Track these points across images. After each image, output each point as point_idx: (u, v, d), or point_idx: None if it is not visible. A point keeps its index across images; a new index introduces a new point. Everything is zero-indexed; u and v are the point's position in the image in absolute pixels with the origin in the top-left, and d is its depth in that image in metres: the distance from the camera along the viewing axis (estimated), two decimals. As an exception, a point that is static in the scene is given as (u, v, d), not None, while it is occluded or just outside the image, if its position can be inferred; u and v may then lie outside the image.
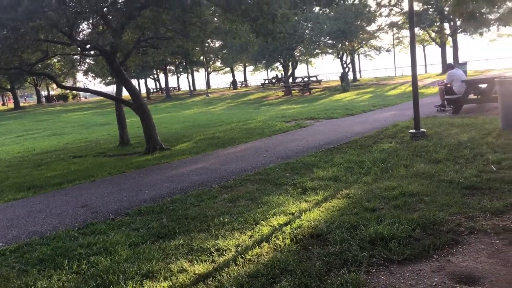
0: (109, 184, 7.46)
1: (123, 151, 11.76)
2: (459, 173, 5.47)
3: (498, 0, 11.79)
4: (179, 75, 58.71)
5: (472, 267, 3.16)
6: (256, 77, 57.25)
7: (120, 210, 5.70)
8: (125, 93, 12.88)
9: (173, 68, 52.35)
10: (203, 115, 23.27)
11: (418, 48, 44.01)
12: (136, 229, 4.77)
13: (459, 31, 28.78)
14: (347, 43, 32.98)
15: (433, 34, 36.01)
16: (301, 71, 50.33)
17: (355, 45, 36.08)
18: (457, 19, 27.06)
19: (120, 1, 9.44)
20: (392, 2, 37.22)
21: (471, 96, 11.45)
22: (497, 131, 7.77)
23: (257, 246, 3.85)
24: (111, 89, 45.51)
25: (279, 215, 4.61)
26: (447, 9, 29.89)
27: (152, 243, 4.26)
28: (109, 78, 35.56)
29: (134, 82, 49.73)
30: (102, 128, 20.71)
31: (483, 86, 11.23)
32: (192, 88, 54.76)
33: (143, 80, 59.36)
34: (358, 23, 32.34)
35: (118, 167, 9.04)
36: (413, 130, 8.26)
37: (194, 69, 54.84)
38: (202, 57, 45.15)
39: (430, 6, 35.07)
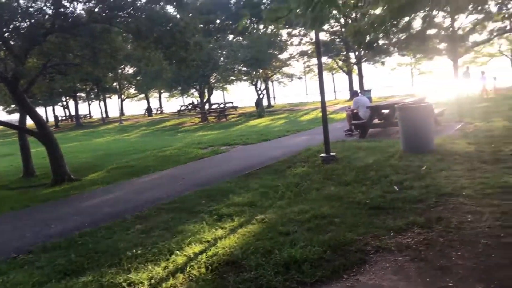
0: (11, 219, 6.93)
1: (27, 183, 11.02)
2: (365, 194, 5.77)
3: (392, 31, 12.81)
4: (90, 102, 56.61)
5: (379, 284, 3.33)
6: (172, 103, 56.69)
7: (22, 248, 5.30)
8: (30, 122, 12.15)
9: (83, 95, 50.34)
10: (117, 143, 22.52)
11: (327, 76, 46.31)
12: (41, 267, 4.46)
13: (363, 60, 30.81)
14: (261, 71, 33.91)
15: (340, 63, 38.18)
16: (217, 97, 50.94)
17: (269, 72, 37.18)
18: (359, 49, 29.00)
19: (22, 26, 8.98)
20: (302, 33, 39.02)
21: (376, 121, 12.21)
22: (399, 153, 8.33)
23: (171, 278, 3.75)
24: (15, 117, 42.76)
25: (195, 244, 4.55)
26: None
27: (58, 282, 4.00)
28: (12, 106, 33.37)
29: (41, 109, 47.08)
30: (4, 159, 19.28)
31: (386, 111, 12.03)
32: (104, 116, 52.95)
33: (51, 107, 56.43)
34: (271, 51, 33.43)
35: (22, 200, 8.45)
36: (324, 154, 8.61)
37: (106, 95, 53.15)
38: (115, 84, 43.96)
39: (336, 37, 37.28)
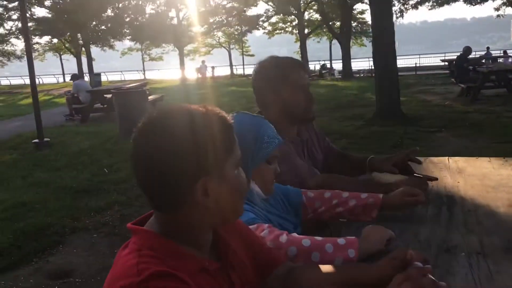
0: None
1: None
2: (75, 179, 5.82)
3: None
4: None
5: (69, 262, 3.49)
6: None
7: None
8: None
9: None
10: None
11: (55, 57, 43.20)
12: None
13: (91, 42, 29.97)
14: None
15: (67, 44, 36.12)
16: None
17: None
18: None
19: None
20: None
21: (98, 105, 12.20)
22: (115, 138, 8.60)
23: None
24: None
25: None
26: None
27: None
28: None
29: None
30: None
31: (108, 96, 12.13)
32: None
33: None
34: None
35: None
36: (36, 140, 8.19)
37: None
38: None
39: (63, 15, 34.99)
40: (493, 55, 22.21)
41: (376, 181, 1.85)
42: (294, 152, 1.83)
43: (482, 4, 25.40)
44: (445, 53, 32.72)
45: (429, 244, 1.31)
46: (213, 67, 31.60)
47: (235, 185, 0.91)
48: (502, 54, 19.55)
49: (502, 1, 25.99)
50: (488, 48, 20.75)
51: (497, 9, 26.67)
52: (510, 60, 15.99)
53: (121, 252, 0.89)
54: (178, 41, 31.24)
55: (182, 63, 31.77)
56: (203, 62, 29.40)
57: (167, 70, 43.59)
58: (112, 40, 30.76)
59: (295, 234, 1.24)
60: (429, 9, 25.02)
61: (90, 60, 30.09)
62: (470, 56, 13.51)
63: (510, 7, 25.89)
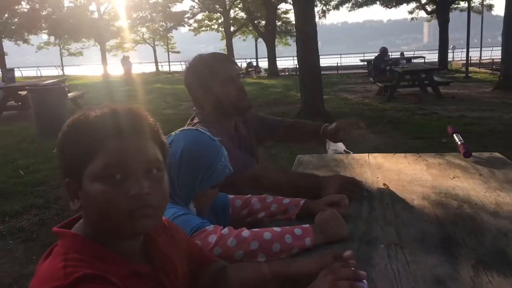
0: None
1: None
2: (-15, 182, 5.42)
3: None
4: None
5: (-19, 272, 3.25)
6: None
7: None
8: None
9: None
10: None
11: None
12: None
13: (3, 36, 28.00)
14: None
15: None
16: None
17: None
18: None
19: None
20: None
21: (12, 103, 11.45)
22: (32, 137, 8.12)
23: None
24: None
25: None
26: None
27: None
28: None
29: None
30: None
31: (23, 93, 11.41)
32: None
33: None
34: None
35: None
36: None
37: None
38: None
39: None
40: (405, 56, 23.61)
41: (312, 175, 1.90)
42: (231, 144, 1.84)
43: (397, 7, 26.90)
44: (364, 53, 34.24)
45: (352, 237, 1.36)
46: (131, 63, 30.65)
47: (90, 199, 0.82)
48: (399, 56, 20.75)
49: (415, 5, 27.70)
50: (402, 53, 21.96)
51: (411, 12, 28.43)
52: (404, 61, 17.53)
53: (44, 259, 0.84)
54: (99, 36, 30.08)
55: (104, 59, 30.62)
56: (125, 57, 28.42)
57: (88, 66, 41.84)
58: (27, 34, 28.91)
59: (256, 229, 1.28)
60: (349, 11, 26.07)
61: (1, 54, 28.11)
62: (388, 56, 14.29)
63: (422, 11, 27.67)
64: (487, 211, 1.53)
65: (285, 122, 2.24)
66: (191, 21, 34.58)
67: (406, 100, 11.34)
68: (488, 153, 2.32)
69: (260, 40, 29.08)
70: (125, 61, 27.32)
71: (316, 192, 1.67)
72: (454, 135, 2.34)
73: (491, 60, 24.74)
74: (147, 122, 0.88)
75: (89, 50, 35.61)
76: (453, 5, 24.91)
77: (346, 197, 1.52)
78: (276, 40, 29.51)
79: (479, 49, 29.23)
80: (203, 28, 35.68)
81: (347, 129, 1.99)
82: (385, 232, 1.40)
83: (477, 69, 21.86)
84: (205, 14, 33.98)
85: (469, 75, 18.12)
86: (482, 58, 27.58)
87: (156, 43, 39.42)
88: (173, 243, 1.01)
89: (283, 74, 25.90)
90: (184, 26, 35.21)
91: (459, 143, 2.26)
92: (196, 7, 32.71)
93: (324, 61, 30.29)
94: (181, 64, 38.37)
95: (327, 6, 25.09)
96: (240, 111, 1.95)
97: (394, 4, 26.18)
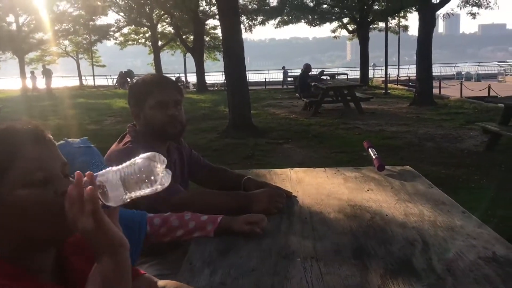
0: None
1: None
2: None
3: None
4: None
5: None
6: None
7: None
8: None
9: None
10: None
11: None
12: None
13: None
14: None
15: None
16: None
17: None
18: None
19: None
20: None
21: None
22: None
23: None
24: None
25: None
26: None
27: None
28: None
29: None
30: None
31: None
32: None
33: None
34: None
35: None
36: None
37: None
38: None
39: None
40: (330, 73, 24.56)
41: (240, 193, 1.91)
42: None
43: (321, 25, 27.99)
44: (291, 69, 35.16)
45: (270, 252, 1.39)
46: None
47: (14, 208, 0.80)
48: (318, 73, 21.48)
49: (337, 24, 28.99)
50: (322, 71, 22.66)
51: (333, 31, 29.70)
52: (328, 77, 18.53)
53: None
54: (17, 49, 28.58)
55: (22, 72, 29.09)
56: (45, 69, 27.20)
57: (5, 80, 39.51)
58: None
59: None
60: (275, 27, 26.73)
61: None
62: (312, 73, 14.80)
63: (344, 30, 29.01)
64: (397, 222, 1.62)
65: (212, 165, 2.22)
66: (116, 34, 33.73)
67: (330, 115, 11.78)
68: (400, 166, 2.46)
69: (188, 55, 29.00)
70: (46, 73, 26.19)
71: (247, 209, 1.70)
72: (369, 149, 2.46)
73: (408, 77, 26.40)
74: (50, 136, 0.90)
75: (6, 63, 33.71)
76: (372, 25, 26.36)
77: (265, 218, 1.55)
78: (205, 55, 29.60)
79: (397, 67, 31.10)
80: (130, 42, 34.94)
81: (266, 206, 1.76)
82: (302, 245, 1.44)
83: (395, 86, 23.23)
84: (131, 27, 33.33)
85: (388, 91, 19.22)
86: (400, 75, 29.37)
87: (80, 56, 38.08)
88: (87, 260, 0.98)
89: (212, 89, 25.99)
90: (110, 39, 34.30)
91: (373, 157, 2.38)
92: (122, 20, 32.02)
93: (253, 76, 30.82)
94: (106, 78, 37.35)
95: (253, 22, 25.60)
96: (167, 137, 1.93)
97: (318, 23, 27.23)
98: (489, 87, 16.08)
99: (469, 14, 18.50)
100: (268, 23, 25.80)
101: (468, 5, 17.82)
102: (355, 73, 29.13)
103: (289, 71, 31.28)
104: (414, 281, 1.19)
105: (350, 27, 28.17)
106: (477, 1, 17.67)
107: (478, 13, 18.46)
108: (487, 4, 17.56)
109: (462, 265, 1.27)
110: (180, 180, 1.98)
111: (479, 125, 7.68)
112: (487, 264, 1.27)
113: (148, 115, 1.83)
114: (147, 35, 32.91)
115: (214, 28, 31.04)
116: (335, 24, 28.92)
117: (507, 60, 47.41)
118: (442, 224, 1.59)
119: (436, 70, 29.51)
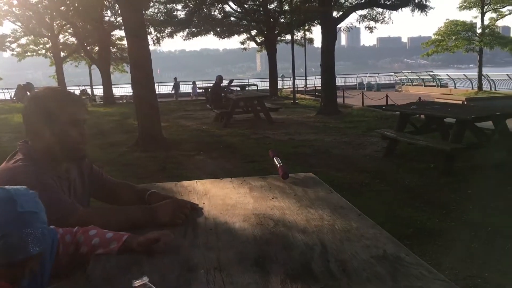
0: None
1: None
2: None
3: None
4: None
5: None
6: None
7: None
8: None
9: None
10: None
11: None
12: None
13: None
14: None
15: None
16: None
17: None
18: None
19: None
20: None
21: None
22: None
23: None
24: None
25: None
26: None
27: None
28: None
29: None
30: None
31: None
32: None
33: None
34: None
35: None
36: None
37: None
38: None
39: None
40: (240, 84, 24.90)
41: (142, 206, 1.88)
42: (58, 186, 1.71)
43: (230, 37, 28.35)
44: (202, 80, 35.12)
45: (173, 265, 1.38)
46: None
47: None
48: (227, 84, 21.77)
49: (246, 36, 29.55)
50: (232, 80, 22.93)
51: (242, 43, 30.23)
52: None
53: None
54: None
55: None
56: None
57: None
58: None
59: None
60: (184, 40, 26.63)
61: None
62: (223, 84, 14.92)
63: (253, 42, 29.64)
64: (298, 227, 1.68)
65: (114, 181, 2.16)
66: (13, 45, 31.49)
67: (241, 126, 11.94)
68: (303, 173, 2.55)
69: (94, 66, 27.88)
70: None
71: (152, 222, 1.69)
72: (274, 158, 2.53)
73: (314, 88, 27.55)
74: None
75: None
76: (279, 37, 27.22)
77: (169, 234, 1.53)
78: (112, 66, 28.67)
79: (304, 77, 32.31)
80: (29, 53, 32.81)
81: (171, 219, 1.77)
82: (206, 257, 1.44)
83: (303, 96, 24.10)
84: (30, 38, 31.33)
85: (297, 101, 19.90)
86: (307, 86, 30.57)
87: (-29, 68, 35.07)
88: None
89: (121, 101, 25.19)
90: (6, 50, 31.94)
91: (278, 166, 2.45)
92: (19, 30, 30.00)
93: (163, 88, 30.36)
94: (3, 92, 34.74)
95: (161, 34, 25.28)
96: (74, 157, 1.84)
97: (226, 35, 27.56)
98: (387, 96, 17.23)
99: (367, 28, 19.91)
100: (176, 35, 25.64)
101: (366, 19, 19.19)
102: (265, 84, 29.81)
103: (199, 83, 31.27)
104: (312, 283, 1.24)
105: (259, 39, 28.83)
106: (373, 16, 19.08)
107: (375, 27, 20.01)
108: (383, 19, 19.05)
109: (356, 265, 1.34)
110: (80, 198, 1.91)
111: (378, 132, 8.20)
112: (378, 262, 1.36)
113: (60, 132, 1.72)
114: (47, 46, 31.13)
115: (121, 39, 30.16)
116: (243, 36, 29.47)
117: (403, 71, 51.27)
118: (340, 227, 1.67)
119: (340, 81, 31.16)
